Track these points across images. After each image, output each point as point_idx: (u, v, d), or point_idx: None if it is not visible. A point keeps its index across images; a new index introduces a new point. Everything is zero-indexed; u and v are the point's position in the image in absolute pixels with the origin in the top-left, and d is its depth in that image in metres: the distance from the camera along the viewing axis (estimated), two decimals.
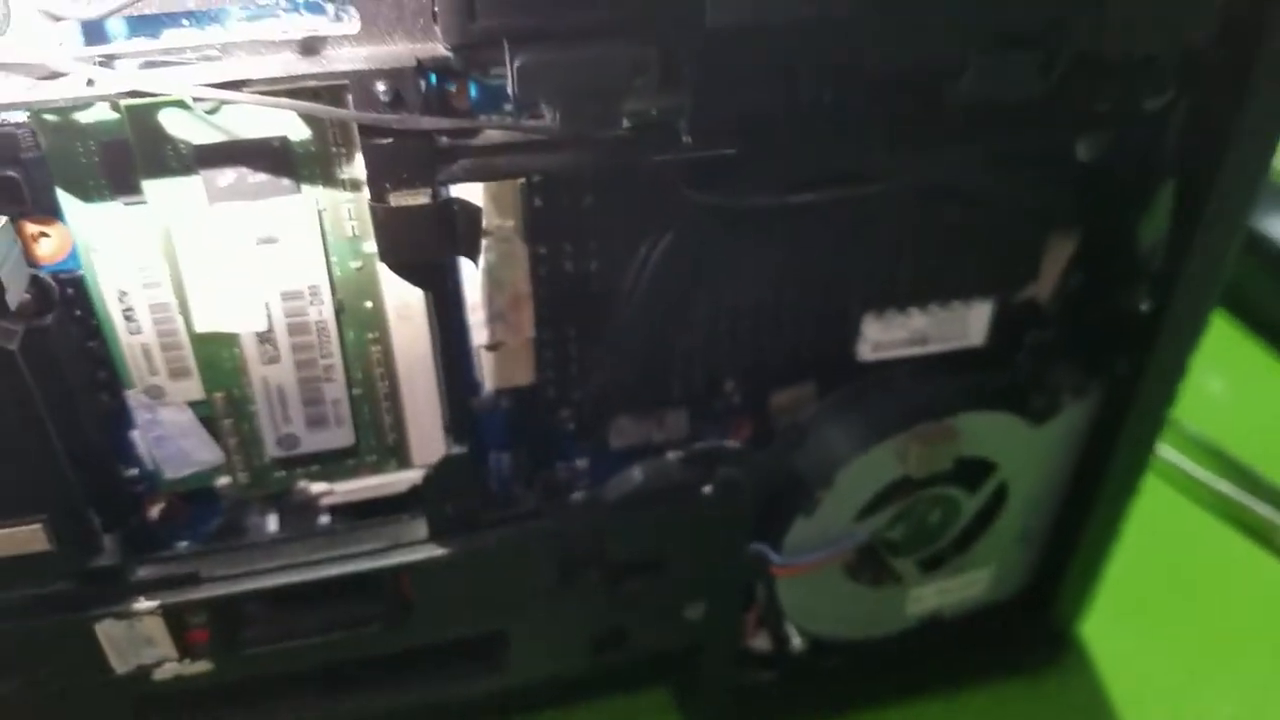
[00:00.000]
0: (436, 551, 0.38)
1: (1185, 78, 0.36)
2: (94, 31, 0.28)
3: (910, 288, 0.40)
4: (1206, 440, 0.64)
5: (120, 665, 0.37)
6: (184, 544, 0.38)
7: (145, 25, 0.29)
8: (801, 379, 0.43)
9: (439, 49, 0.29)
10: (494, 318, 0.36)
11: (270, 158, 0.31)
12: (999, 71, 0.33)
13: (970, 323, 0.42)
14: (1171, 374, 0.42)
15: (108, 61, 0.28)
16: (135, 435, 0.36)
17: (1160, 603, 0.57)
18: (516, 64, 0.28)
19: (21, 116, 0.30)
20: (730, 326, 0.40)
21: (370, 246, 0.33)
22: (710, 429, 0.42)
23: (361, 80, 0.28)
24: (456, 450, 0.36)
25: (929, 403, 0.42)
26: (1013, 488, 0.46)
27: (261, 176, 0.32)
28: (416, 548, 0.38)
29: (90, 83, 0.27)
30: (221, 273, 0.33)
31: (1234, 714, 0.52)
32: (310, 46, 0.28)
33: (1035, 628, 0.52)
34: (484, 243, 0.34)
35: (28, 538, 0.33)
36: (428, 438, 0.38)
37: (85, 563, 0.35)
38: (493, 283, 0.36)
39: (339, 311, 0.35)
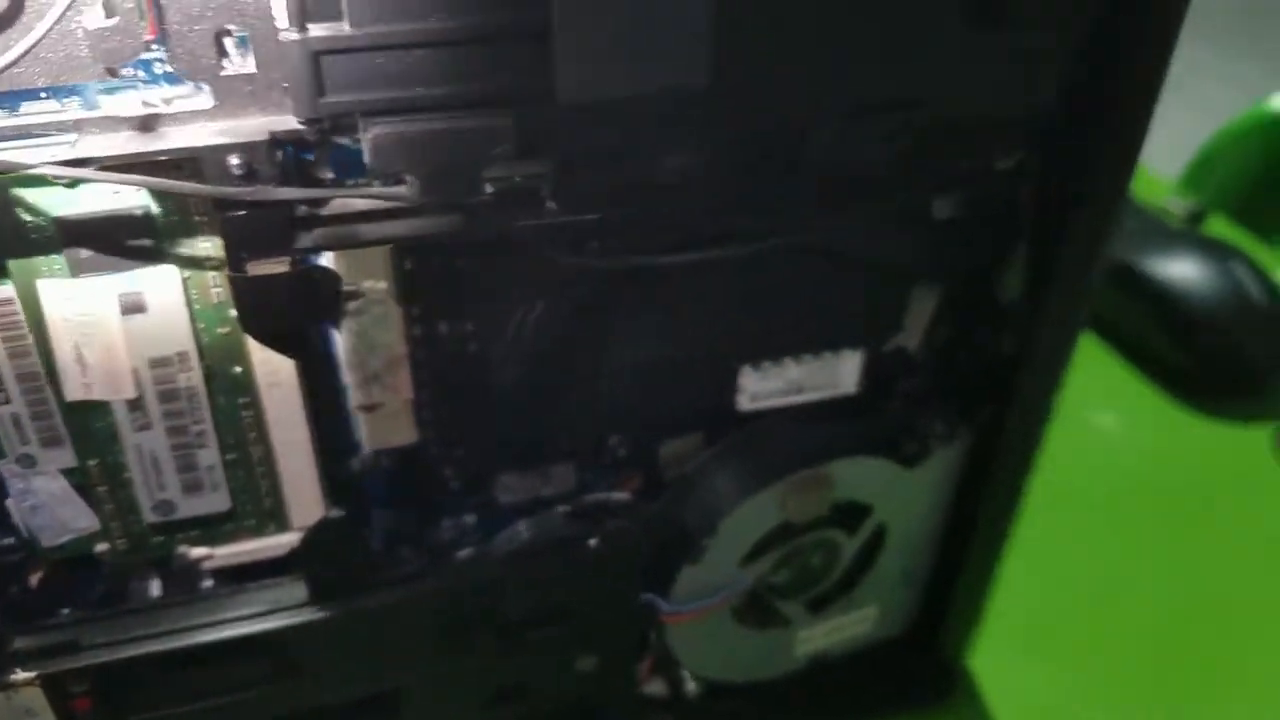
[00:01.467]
0: (318, 614, 0.38)
1: (1032, 136, 0.38)
2: None
3: (781, 339, 0.41)
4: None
5: None
6: (66, 612, 0.38)
7: (3, 99, 0.29)
8: (687, 430, 0.43)
9: (293, 122, 0.29)
10: (369, 380, 0.37)
11: (133, 229, 0.32)
12: (851, 138, 0.34)
13: (842, 372, 0.43)
14: (1037, 417, 0.43)
15: None
16: (10, 504, 0.36)
17: (1048, 634, 0.58)
18: (369, 136, 0.29)
19: None
20: (611, 383, 0.40)
21: None
22: (599, 481, 0.43)
23: (214, 154, 0.28)
24: (334, 514, 0.37)
25: (804, 451, 0.43)
26: (890, 529, 0.47)
27: (125, 247, 0.32)
28: (297, 611, 0.38)
29: None
30: (89, 342, 0.33)
31: None
32: (160, 123, 0.28)
33: (924, 663, 0.53)
34: (356, 305, 0.35)
35: None
36: (306, 501, 0.38)
37: None
38: (366, 345, 0.36)
39: (208, 378, 0.35)
